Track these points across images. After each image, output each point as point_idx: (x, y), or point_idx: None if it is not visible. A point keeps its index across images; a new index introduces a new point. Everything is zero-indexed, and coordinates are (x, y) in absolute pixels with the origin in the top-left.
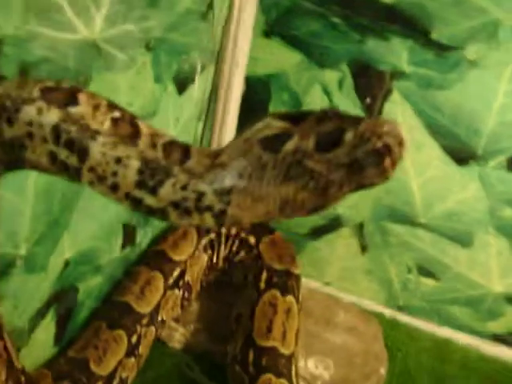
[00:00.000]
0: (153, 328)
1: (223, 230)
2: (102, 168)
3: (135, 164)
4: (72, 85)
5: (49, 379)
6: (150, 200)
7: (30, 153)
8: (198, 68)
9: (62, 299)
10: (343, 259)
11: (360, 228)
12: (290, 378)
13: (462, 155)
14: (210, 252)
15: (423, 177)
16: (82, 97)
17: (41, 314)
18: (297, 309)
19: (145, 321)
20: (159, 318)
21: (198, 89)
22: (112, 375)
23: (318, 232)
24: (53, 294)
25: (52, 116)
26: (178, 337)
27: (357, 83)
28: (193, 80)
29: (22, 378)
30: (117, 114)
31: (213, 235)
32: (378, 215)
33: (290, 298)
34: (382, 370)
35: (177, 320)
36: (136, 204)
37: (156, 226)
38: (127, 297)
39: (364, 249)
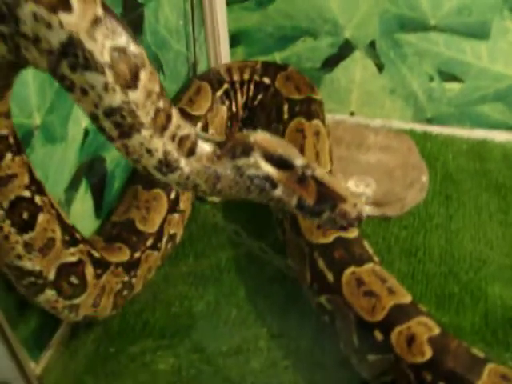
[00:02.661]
0: None
1: (236, 78)
2: (134, 150)
3: (158, 155)
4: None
5: (101, 242)
6: (159, 176)
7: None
8: None
9: (90, 170)
10: (362, 84)
11: (372, 47)
12: None
13: None
14: (227, 102)
15: None
16: (143, 76)
17: (74, 186)
18: (325, 131)
19: None
20: None
21: None
22: (160, 232)
23: (330, 62)
24: (80, 164)
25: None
26: None
27: None
28: None
29: (77, 235)
30: (161, 104)
31: (226, 85)
32: (387, 29)
33: (315, 121)
34: (424, 178)
35: None
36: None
37: (169, 90)
38: None
39: (381, 68)
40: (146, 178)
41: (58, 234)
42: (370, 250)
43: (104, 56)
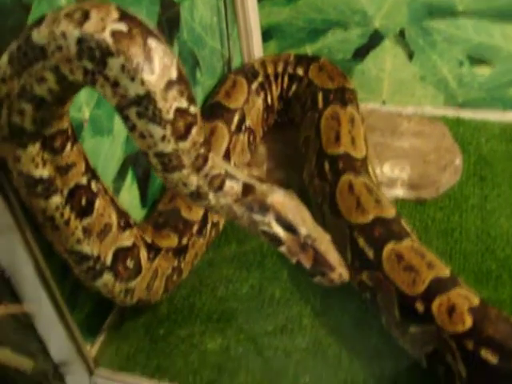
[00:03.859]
0: None
1: (270, 71)
2: (172, 181)
3: (192, 188)
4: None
5: (150, 229)
6: (190, 200)
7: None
8: None
9: (136, 162)
10: (393, 72)
11: (401, 35)
12: (368, 176)
13: None
14: (262, 95)
15: None
16: (193, 131)
17: (121, 176)
18: (359, 118)
19: None
20: (232, 163)
21: None
22: (204, 220)
23: (361, 52)
24: (127, 156)
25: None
26: None
27: None
28: None
29: (130, 220)
30: (202, 151)
31: (261, 78)
32: (415, 17)
33: (350, 108)
34: (458, 161)
35: (248, 165)
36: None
37: (206, 85)
38: None
39: (411, 55)
40: None
41: (114, 218)
42: (408, 228)
43: (169, 114)
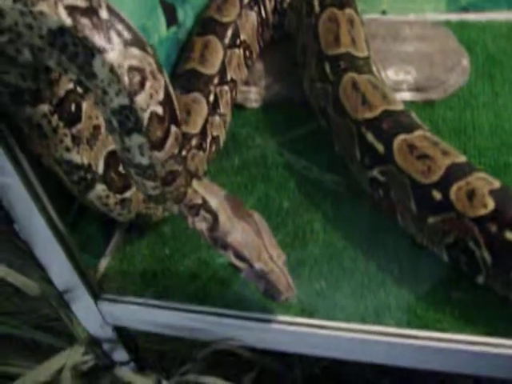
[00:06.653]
0: (226, 87)
1: None
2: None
3: None
4: None
5: None
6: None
7: None
8: None
9: None
10: None
11: None
12: (373, 74)
13: None
14: (256, 8)
15: None
16: None
17: None
18: (359, 20)
19: (215, 80)
20: (228, 78)
21: None
22: (203, 132)
23: None
24: None
25: None
26: (253, 96)
27: None
28: None
29: None
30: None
31: None
32: None
33: (348, 10)
34: (465, 61)
35: (247, 82)
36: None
37: (195, 4)
38: (190, 64)
39: None
40: (183, 83)
41: (101, 119)
42: (418, 121)
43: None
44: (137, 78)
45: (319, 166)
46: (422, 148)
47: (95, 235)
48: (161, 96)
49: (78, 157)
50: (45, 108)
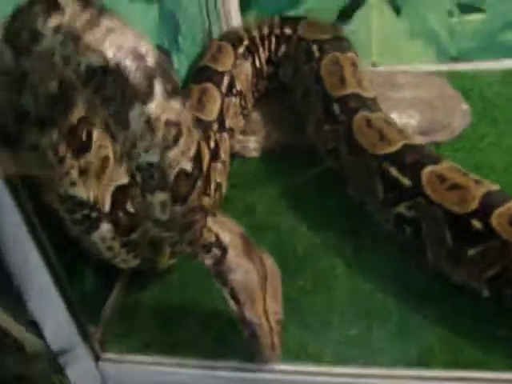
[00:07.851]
0: (225, 134)
1: (255, 33)
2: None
3: None
4: None
5: None
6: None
7: None
8: None
9: None
10: (381, 29)
11: None
12: (383, 112)
13: None
14: (250, 59)
15: None
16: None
17: None
18: (359, 63)
19: (215, 126)
20: (227, 125)
21: None
22: (207, 177)
23: (346, 14)
24: None
25: None
26: (252, 145)
27: None
28: None
29: None
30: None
31: (246, 41)
32: None
33: (350, 54)
34: (464, 105)
35: (244, 132)
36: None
37: (189, 53)
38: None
39: (398, 11)
40: None
41: (110, 148)
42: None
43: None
44: (172, 133)
45: (330, 209)
46: (452, 178)
47: (94, 286)
48: (192, 152)
49: (83, 192)
50: (53, 136)
